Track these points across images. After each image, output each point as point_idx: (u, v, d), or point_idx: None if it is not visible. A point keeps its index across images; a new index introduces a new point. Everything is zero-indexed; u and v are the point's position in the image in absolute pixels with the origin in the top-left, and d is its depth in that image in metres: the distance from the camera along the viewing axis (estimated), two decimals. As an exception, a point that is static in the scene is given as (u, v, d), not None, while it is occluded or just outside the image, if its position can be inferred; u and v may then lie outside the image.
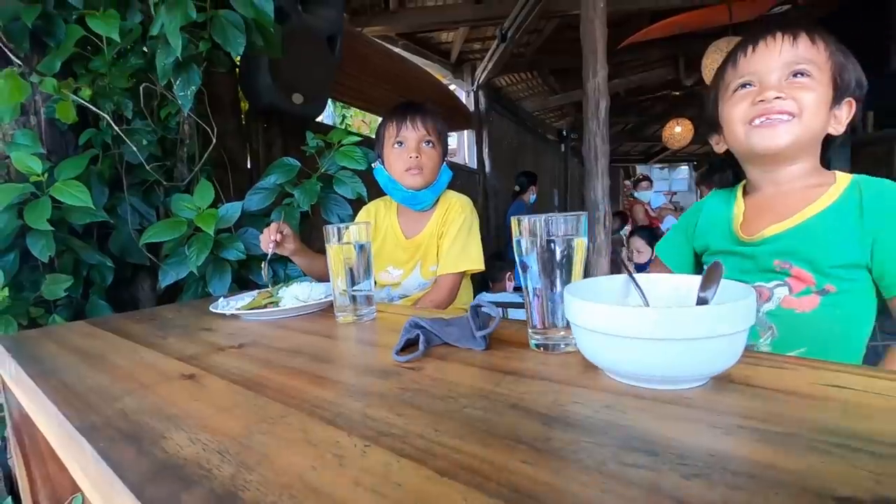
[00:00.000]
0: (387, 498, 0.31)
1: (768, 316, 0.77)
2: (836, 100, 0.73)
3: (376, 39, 4.03)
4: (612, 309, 0.44)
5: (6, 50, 1.15)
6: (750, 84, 0.74)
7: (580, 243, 0.57)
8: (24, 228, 1.16)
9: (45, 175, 1.14)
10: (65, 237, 1.27)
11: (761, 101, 0.71)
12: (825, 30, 0.72)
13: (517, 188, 4.76)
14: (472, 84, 5.56)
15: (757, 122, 0.72)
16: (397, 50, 4.53)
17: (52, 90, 1.14)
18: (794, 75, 0.71)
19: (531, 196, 4.66)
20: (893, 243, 0.69)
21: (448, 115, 5.10)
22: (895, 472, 0.30)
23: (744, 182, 0.85)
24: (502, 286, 3.04)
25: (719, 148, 0.84)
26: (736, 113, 0.74)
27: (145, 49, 1.43)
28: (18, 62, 1.19)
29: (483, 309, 0.64)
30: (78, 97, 1.21)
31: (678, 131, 6.93)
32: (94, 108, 1.23)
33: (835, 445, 0.33)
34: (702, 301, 0.49)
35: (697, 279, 0.53)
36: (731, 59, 0.76)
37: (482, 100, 5.70)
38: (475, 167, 5.70)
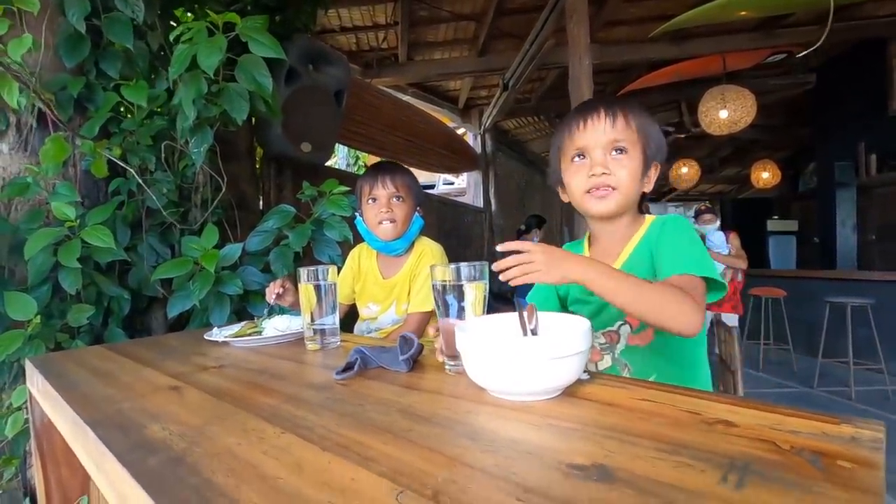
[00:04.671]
0: (278, 460, 0.46)
1: (622, 355, 0.93)
2: (646, 166, 0.92)
3: (386, 89, 4.34)
4: (469, 336, 0.59)
5: (54, 118, 1.38)
6: (582, 155, 0.92)
7: (479, 286, 0.72)
8: (56, 264, 1.36)
9: (78, 220, 1.35)
10: (90, 272, 1.47)
11: (593, 175, 0.89)
12: (635, 104, 0.91)
13: (523, 227, 4.92)
14: (480, 128, 5.85)
15: (592, 192, 0.90)
16: (407, 97, 4.85)
17: (89, 151, 1.37)
18: (614, 150, 0.89)
19: (534, 238, 4.81)
20: (664, 245, 0.86)
21: (456, 158, 5.37)
22: (620, 450, 0.44)
23: (588, 233, 1.04)
24: None
25: (565, 199, 1.01)
26: (575, 182, 0.93)
27: (169, 111, 1.67)
28: (64, 126, 1.43)
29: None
30: (109, 155, 1.43)
31: (685, 172, 7.05)
32: (122, 164, 1.45)
33: (601, 434, 0.47)
34: (533, 333, 0.64)
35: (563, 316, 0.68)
36: (566, 129, 0.94)
37: (489, 142, 5.97)
38: (482, 206, 5.92)
